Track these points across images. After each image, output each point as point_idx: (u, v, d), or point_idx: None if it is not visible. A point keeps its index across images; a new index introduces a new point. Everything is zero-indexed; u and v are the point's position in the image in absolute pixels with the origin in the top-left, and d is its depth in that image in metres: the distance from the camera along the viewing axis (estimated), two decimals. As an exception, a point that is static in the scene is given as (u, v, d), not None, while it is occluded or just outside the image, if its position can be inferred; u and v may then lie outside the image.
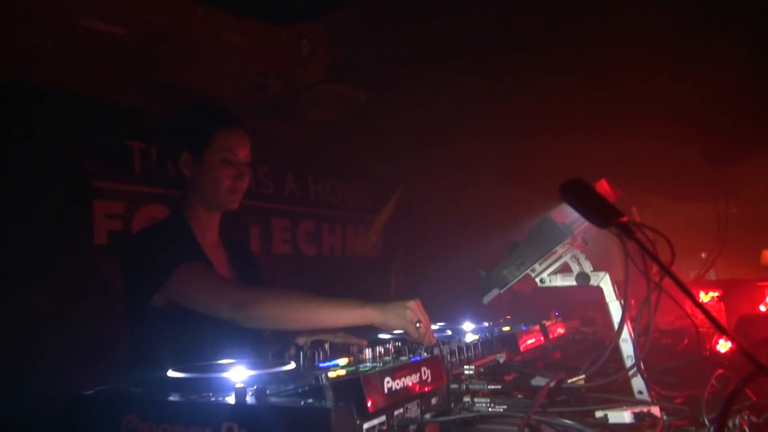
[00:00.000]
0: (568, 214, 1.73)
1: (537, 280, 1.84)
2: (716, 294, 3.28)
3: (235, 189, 2.10)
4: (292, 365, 1.29)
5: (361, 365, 1.30)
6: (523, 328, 2.07)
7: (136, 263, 1.99)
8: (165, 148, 2.31)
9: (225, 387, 1.12)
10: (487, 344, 1.73)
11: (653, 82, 3.45)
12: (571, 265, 1.80)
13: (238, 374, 1.17)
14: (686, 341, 2.32)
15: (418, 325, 1.68)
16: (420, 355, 1.42)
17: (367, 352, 1.40)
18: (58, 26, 2.76)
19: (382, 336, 1.90)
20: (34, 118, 3.02)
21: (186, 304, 1.87)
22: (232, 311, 1.78)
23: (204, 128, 2.07)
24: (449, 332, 2.03)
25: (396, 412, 1.13)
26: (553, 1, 2.88)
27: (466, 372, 1.45)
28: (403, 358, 1.37)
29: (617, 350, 1.59)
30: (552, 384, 1.33)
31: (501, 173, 4.39)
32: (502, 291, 1.84)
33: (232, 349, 1.62)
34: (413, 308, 1.69)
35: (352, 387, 1.06)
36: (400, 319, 1.68)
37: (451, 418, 1.30)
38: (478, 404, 1.34)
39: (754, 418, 1.26)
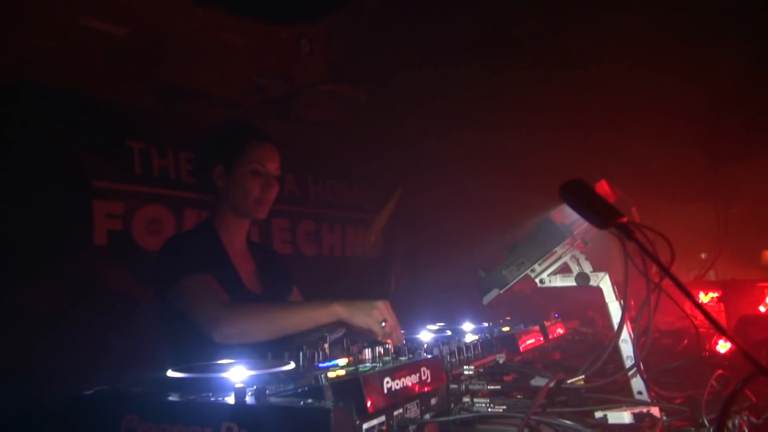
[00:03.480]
0: (567, 215, 1.73)
1: (537, 280, 1.84)
2: (716, 294, 3.28)
3: (262, 199, 2.18)
4: (291, 365, 1.29)
5: (361, 365, 1.30)
6: (523, 328, 2.07)
7: (157, 266, 2.07)
8: (200, 161, 2.57)
9: (224, 387, 1.12)
10: (486, 344, 1.73)
11: (654, 82, 3.45)
12: (571, 266, 1.80)
13: (237, 374, 1.17)
14: (686, 342, 2.32)
15: (383, 324, 1.71)
16: (419, 355, 1.42)
17: (367, 353, 1.40)
18: (57, 26, 2.76)
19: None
20: (34, 118, 3.02)
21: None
22: (208, 328, 1.80)
23: (235, 142, 2.18)
24: (449, 332, 2.03)
25: (395, 413, 1.12)
26: (551, 1, 2.88)
27: (466, 372, 1.45)
28: (403, 359, 1.37)
29: (617, 351, 1.59)
30: (551, 384, 1.33)
31: (501, 173, 4.39)
32: (501, 291, 1.84)
33: (256, 348, 1.66)
34: (380, 308, 1.73)
35: (352, 387, 1.06)
36: (366, 317, 1.72)
37: (451, 418, 1.30)
38: (477, 404, 1.34)
39: (753, 419, 1.27)
